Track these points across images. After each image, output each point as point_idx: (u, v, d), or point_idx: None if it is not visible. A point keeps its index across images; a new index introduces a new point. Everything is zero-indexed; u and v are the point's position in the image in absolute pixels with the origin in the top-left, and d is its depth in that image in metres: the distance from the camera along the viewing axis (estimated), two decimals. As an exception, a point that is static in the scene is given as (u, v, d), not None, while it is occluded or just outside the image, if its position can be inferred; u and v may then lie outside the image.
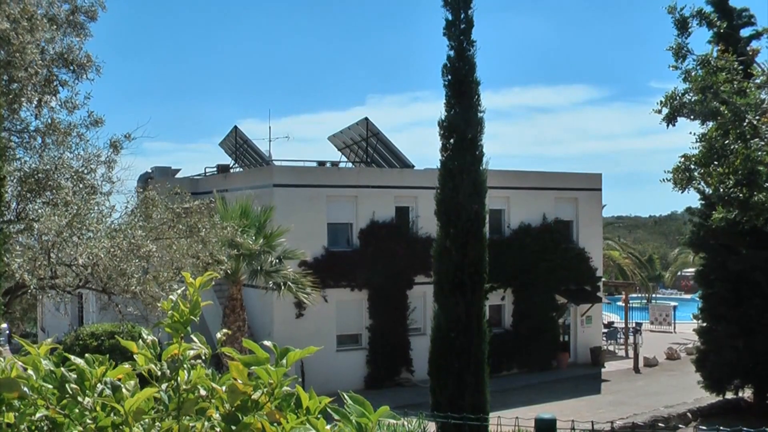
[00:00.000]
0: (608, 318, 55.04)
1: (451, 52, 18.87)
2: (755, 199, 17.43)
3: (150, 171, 46.07)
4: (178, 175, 46.71)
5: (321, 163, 42.87)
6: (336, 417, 2.77)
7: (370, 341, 38.38)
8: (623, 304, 50.65)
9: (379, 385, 37.41)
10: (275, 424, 2.78)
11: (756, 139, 16.51)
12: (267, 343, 2.99)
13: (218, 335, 3.21)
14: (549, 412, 6.41)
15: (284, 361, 2.88)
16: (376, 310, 38.41)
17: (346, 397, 2.82)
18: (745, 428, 6.16)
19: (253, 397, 2.83)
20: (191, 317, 2.98)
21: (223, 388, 2.83)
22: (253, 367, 2.82)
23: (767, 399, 33.33)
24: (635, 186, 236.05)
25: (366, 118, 44.02)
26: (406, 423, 20.38)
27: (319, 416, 2.84)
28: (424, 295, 36.54)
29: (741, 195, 17.79)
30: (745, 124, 16.07)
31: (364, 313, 38.41)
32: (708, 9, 17.54)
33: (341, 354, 37.79)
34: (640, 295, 71.80)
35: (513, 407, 27.17)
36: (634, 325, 48.68)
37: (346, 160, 47.25)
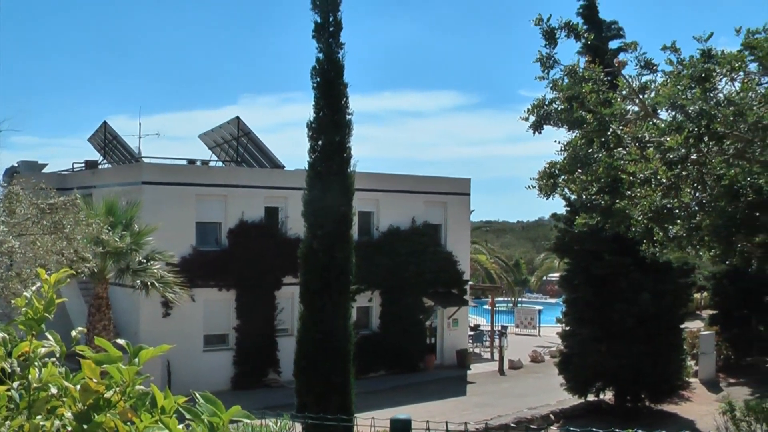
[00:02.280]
0: (475, 321, 55.67)
1: (320, 55, 18.92)
2: (617, 206, 17.87)
3: (16, 165, 45.06)
4: (45, 170, 45.75)
5: (191, 162, 42.42)
6: (188, 416, 2.77)
7: (238, 341, 38.13)
8: (490, 308, 51.39)
9: (246, 386, 37.18)
10: (128, 424, 2.76)
11: (619, 149, 16.91)
12: (120, 341, 2.97)
13: (73, 333, 3.17)
14: (406, 414, 6.46)
15: (137, 359, 2.86)
16: (244, 311, 38.16)
17: (198, 396, 2.81)
18: (604, 429, 6.31)
19: (105, 395, 2.80)
20: (46, 315, 2.94)
21: (76, 386, 2.80)
22: (105, 366, 2.80)
23: (628, 401, 34.16)
24: (504, 191, 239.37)
25: (237, 117, 43.78)
26: (272, 424, 20.35)
27: (174, 416, 2.82)
28: (292, 296, 36.37)
29: (603, 202, 18.23)
30: (609, 133, 16.42)
31: (232, 313, 38.12)
32: (577, 21, 17.82)
33: (208, 354, 37.48)
34: (506, 298, 72.83)
35: (380, 408, 27.23)
36: (499, 328, 49.45)
37: (216, 159, 46.93)
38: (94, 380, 2.80)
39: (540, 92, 25.50)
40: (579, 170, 17.05)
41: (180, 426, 2.77)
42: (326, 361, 18.35)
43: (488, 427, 23.38)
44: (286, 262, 36.60)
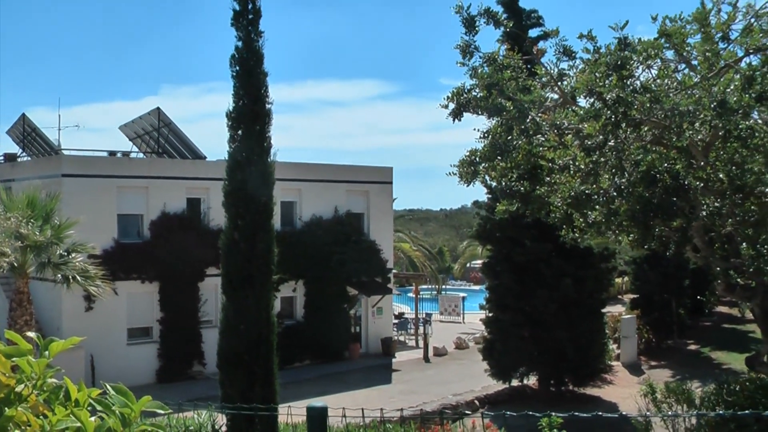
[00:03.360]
0: (399, 309, 55.80)
1: (239, 44, 18.75)
2: (537, 193, 18.03)
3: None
4: (-39, 164, 44.97)
5: (112, 153, 41.95)
6: (99, 408, 2.74)
7: (162, 334, 37.81)
8: (414, 296, 51.45)
9: (171, 379, 36.94)
10: (41, 417, 2.72)
11: (538, 136, 17.05)
12: (30, 334, 2.92)
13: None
14: (330, 402, 6.43)
15: (47, 352, 2.82)
16: (168, 303, 37.86)
17: (109, 388, 2.78)
18: (529, 412, 6.35)
19: (17, 389, 2.76)
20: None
21: (-13, 381, 2.75)
22: (15, 359, 2.75)
23: (551, 386, 34.52)
24: (427, 180, 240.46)
25: (158, 108, 43.39)
26: (196, 416, 20.24)
27: (89, 408, 2.79)
28: (215, 288, 36.08)
29: (523, 188, 18.39)
30: (528, 120, 16.54)
31: (155, 306, 37.79)
32: (497, 9, 17.91)
33: (132, 347, 37.13)
34: (430, 286, 72.99)
35: (305, 398, 27.12)
36: (424, 315, 49.61)
37: (137, 150, 46.47)
38: (6, 374, 2.76)
39: (461, 81, 25.61)
40: (499, 157, 17.16)
41: (92, 418, 2.73)
42: (249, 352, 18.25)
43: (403, 415, 23.38)
44: (208, 253, 36.30)
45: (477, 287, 73.11)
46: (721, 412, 20.13)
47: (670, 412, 21.89)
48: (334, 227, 43.40)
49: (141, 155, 45.22)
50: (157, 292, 37.77)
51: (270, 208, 18.83)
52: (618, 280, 62.77)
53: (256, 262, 18.38)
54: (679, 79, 15.73)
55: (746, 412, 18.02)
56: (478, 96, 16.86)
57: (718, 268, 18.76)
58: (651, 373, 37.56)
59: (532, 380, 35.50)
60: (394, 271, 49.94)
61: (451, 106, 16.91)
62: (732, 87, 14.44)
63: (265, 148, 18.75)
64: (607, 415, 6.30)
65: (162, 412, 2.85)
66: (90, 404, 2.77)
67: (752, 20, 15.34)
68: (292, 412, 12.47)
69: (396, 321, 50.18)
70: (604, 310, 37.02)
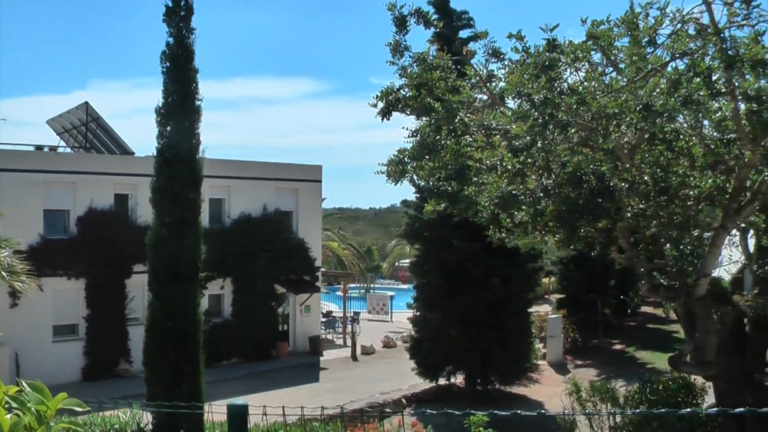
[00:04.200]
0: (327, 307, 55.77)
1: (170, 39, 18.58)
2: (464, 193, 18.13)
3: None
4: None
5: (39, 148, 41.45)
6: (14, 405, 2.70)
7: (88, 331, 37.39)
8: (342, 294, 51.50)
9: (97, 377, 36.59)
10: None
11: (466, 136, 17.14)
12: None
13: None
14: (257, 400, 6.43)
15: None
16: (94, 300, 37.45)
17: (25, 385, 2.75)
18: (450, 410, 6.39)
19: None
20: None
21: None
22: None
23: (478, 384, 34.72)
24: (357, 178, 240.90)
25: (86, 103, 42.96)
26: (121, 414, 20.05)
27: (5, 406, 2.76)
28: (143, 285, 35.46)
29: (450, 188, 18.49)
30: (456, 120, 16.62)
31: (82, 303, 37.33)
32: (428, 9, 17.98)
33: (58, 345, 36.66)
34: (358, 285, 73.15)
35: (232, 396, 27.06)
36: (352, 314, 49.62)
37: (65, 145, 45.93)
38: None
39: (391, 80, 25.72)
40: (427, 157, 17.23)
41: (8, 416, 2.70)
42: (175, 349, 18.12)
43: (330, 413, 23.40)
44: (136, 250, 35.85)
45: (405, 286, 73.27)
46: (644, 410, 20.41)
47: (594, 411, 22.13)
48: (262, 225, 43.27)
49: (69, 150, 44.69)
50: (83, 289, 37.34)
51: (198, 205, 18.71)
52: (545, 279, 63.33)
53: (183, 259, 18.25)
54: (606, 81, 15.90)
55: (664, 410, 18.29)
56: (408, 95, 16.91)
57: (643, 269, 19.01)
58: (576, 372, 37.95)
59: (459, 379, 35.68)
60: (322, 269, 49.90)
61: (380, 105, 16.94)
62: (658, 91, 14.63)
63: (194, 144, 18.63)
64: (526, 413, 6.36)
65: (80, 409, 2.82)
66: (6, 402, 2.73)
67: (679, 25, 15.55)
68: (217, 411, 12.41)
69: (324, 319, 50.20)
70: (530, 310, 37.36)
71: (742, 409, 7.10)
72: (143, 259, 20.03)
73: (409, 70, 17.18)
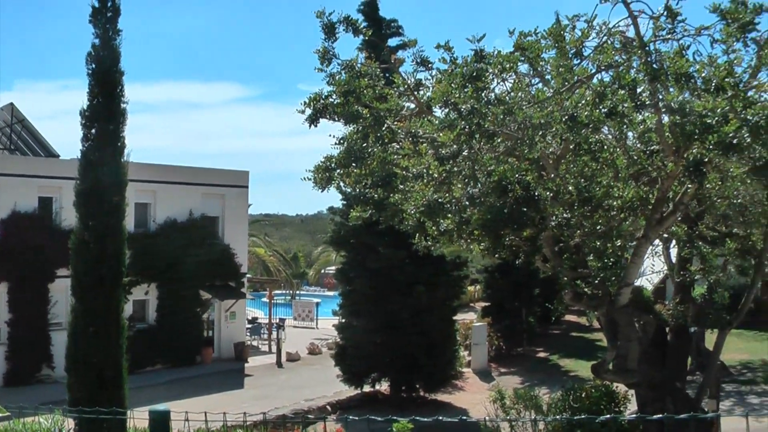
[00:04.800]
0: (252, 314, 55.69)
1: (96, 41, 18.44)
2: (391, 200, 18.17)
3: None
4: None
5: (-39, 149, 40.90)
6: None
7: (10, 336, 36.84)
8: (267, 301, 51.38)
9: (19, 382, 36.08)
10: None
11: (393, 144, 17.20)
12: None
13: None
14: (180, 406, 6.41)
15: None
16: (17, 304, 36.92)
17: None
18: (373, 416, 6.41)
19: None
20: None
21: None
22: None
23: (403, 391, 34.81)
24: (284, 185, 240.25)
25: (11, 104, 42.51)
26: (43, 420, 19.79)
27: None
28: (66, 289, 35.32)
29: (377, 195, 18.52)
30: (384, 128, 16.67)
31: (4, 307, 36.77)
32: (358, 17, 17.99)
33: (-21, 350, 36.19)
34: (284, 291, 72.93)
35: (156, 402, 26.83)
36: (277, 320, 49.54)
37: (-11, 146, 45.34)
38: None
39: (319, 87, 25.72)
40: (353, 164, 17.24)
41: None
42: (98, 355, 17.97)
43: (254, 420, 23.32)
44: (59, 253, 35.26)
45: (331, 293, 73.23)
46: (566, 417, 20.61)
47: (517, 418, 22.31)
48: (188, 230, 43.06)
49: (-8, 152, 44.11)
50: (5, 293, 36.84)
51: (122, 209, 18.58)
52: (470, 288, 63.67)
53: (107, 264, 18.10)
54: (533, 92, 16.04)
55: (584, 417, 18.49)
56: (335, 102, 16.92)
57: (566, 278, 19.18)
58: (501, 379, 38.22)
59: (384, 386, 35.75)
60: (248, 275, 49.82)
61: (308, 111, 16.91)
62: (583, 102, 14.78)
63: (119, 147, 18.50)
64: (448, 419, 6.41)
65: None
66: None
67: (606, 38, 15.74)
68: (139, 417, 12.34)
69: (249, 326, 50.14)
70: (456, 318, 37.58)
71: (662, 415, 7.22)
72: (67, 263, 19.80)
73: (337, 78, 17.17)
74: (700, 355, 34.08)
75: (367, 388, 35.35)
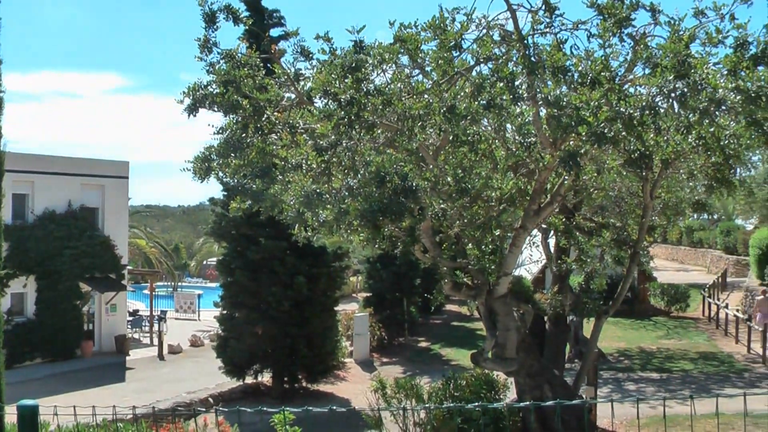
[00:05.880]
0: (133, 306, 55.05)
1: (-28, 29, 18.07)
2: (270, 191, 18.13)
3: None
4: None
5: None
6: None
7: None
8: (149, 293, 50.82)
9: None
10: None
11: (273, 135, 17.19)
12: None
13: None
14: (34, 401, 6.31)
15: None
16: None
17: None
18: (256, 408, 6.42)
19: None
20: None
21: None
22: None
23: (285, 382, 34.76)
24: (166, 175, 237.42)
25: None
26: None
27: None
28: (-62, 283, 34.71)
29: (255, 186, 18.48)
30: (264, 118, 16.66)
31: None
32: (239, 6, 17.91)
33: None
34: (166, 283, 72.24)
35: (35, 397, 26.35)
36: (159, 313, 49.12)
37: None
38: None
39: (200, 75, 25.54)
40: (233, 154, 17.18)
41: None
42: (-28, 350, 17.58)
43: (135, 414, 23.04)
44: (-69, 246, 34.72)
45: (213, 284, 72.78)
46: (447, 405, 20.83)
47: (399, 407, 22.43)
48: (68, 221, 42.33)
49: None
50: None
51: (-2, 201, 18.17)
52: (352, 278, 63.96)
53: (-19, 257, 17.71)
54: (413, 84, 16.15)
55: (462, 405, 18.69)
56: (215, 92, 16.83)
57: (446, 268, 19.39)
58: (383, 369, 38.39)
59: (266, 377, 35.66)
60: (129, 267, 49.22)
61: (187, 101, 16.79)
62: (462, 94, 14.94)
63: (-5, 137, 18.08)
64: (317, 409, 6.45)
65: None
66: None
67: (485, 31, 15.94)
68: (12, 413, 12.10)
69: (130, 318, 49.57)
70: (337, 308, 37.68)
71: (541, 402, 7.36)
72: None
73: (217, 67, 17.10)
74: (578, 343, 34.80)
75: (249, 380, 35.20)
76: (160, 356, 42.85)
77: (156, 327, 46.26)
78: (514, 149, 17.25)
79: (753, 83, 13.49)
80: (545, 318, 26.07)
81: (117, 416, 21.16)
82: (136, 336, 48.84)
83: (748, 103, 13.56)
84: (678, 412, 26.15)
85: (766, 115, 15.18)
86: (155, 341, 45.41)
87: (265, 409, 6.71)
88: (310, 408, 6.32)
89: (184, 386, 34.96)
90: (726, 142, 18.35)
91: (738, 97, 13.60)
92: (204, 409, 29.13)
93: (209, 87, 16.99)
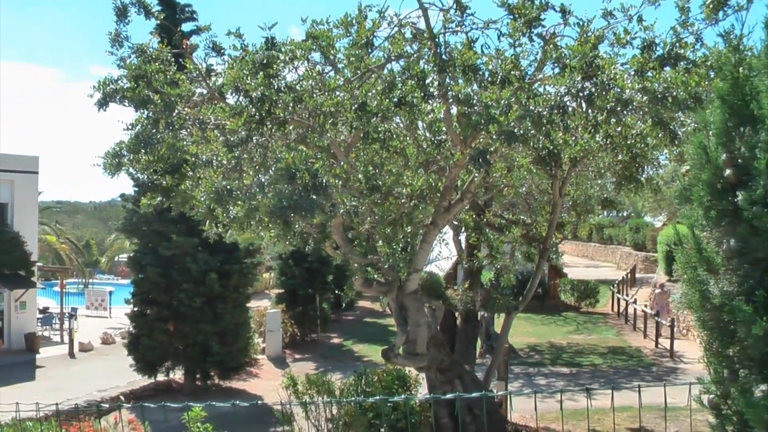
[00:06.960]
0: (43, 303, 54.37)
1: None
2: (182, 187, 18.08)
3: None
4: None
5: None
6: None
7: None
8: (59, 290, 50.27)
9: None
10: None
11: (183, 131, 17.13)
12: None
13: None
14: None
15: None
16: None
17: None
18: (167, 404, 6.45)
19: None
20: None
21: None
22: None
23: (197, 379, 34.66)
24: (77, 171, 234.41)
25: None
26: None
27: None
28: None
29: (165, 182, 18.43)
30: (175, 114, 16.59)
31: None
32: (152, 0, 17.79)
33: None
34: (77, 280, 71.44)
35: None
36: (69, 310, 48.56)
37: None
38: None
39: (112, 69, 25.37)
40: (143, 150, 17.10)
41: None
42: None
43: (45, 413, 22.83)
44: None
45: (125, 281, 72.15)
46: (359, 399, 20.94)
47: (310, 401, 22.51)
48: (-25, 217, 41.68)
49: None
50: None
51: None
52: (265, 275, 63.80)
53: None
54: (325, 81, 16.21)
55: (376, 398, 18.85)
56: (126, 87, 16.73)
57: (356, 264, 19.47)
58: (295, 365, 38.47)
59: (178, 374, 35.54)
60: (39, 264, 48.60)
61: (98, 95, 16.67)
62: (374, 91, 15.04)
63: None
64: (221, 404, 6.51)
65: None
66: None
67: (397, 29, 16.05)
68: None
69: (40, 316, 49.00)
70: (250, 305, 37.66)
71: (452, 395, 7.48)
72: None
73: (128, 61, 17.00)
74: (489, 338, 35.15)
75: (161, 377, 35.07)
76: (71, 354, 42.40)
77: (67, 324, 45.78)
78: (425, 146, 17.39)
79: (659, 84, 13.82)
80: (456, 314, 26.29)
81: (24, 414, 20.91)
82: (46, 334, 48.30)
83: (654, 104, 13.86)
84: (585, 405, 26.61)
85: (671, 115, 15.56)
86: (66, 339, 44.95)
87: (168, 405, 6.75)
88: (213, 403, 6.37)
89: (95, 384, 34.64)
90: (633, 141, 18.74)
91: (645, 98, 13.92)
92: (116, 406, 28.96)
93: (120, 81, 16.88)
